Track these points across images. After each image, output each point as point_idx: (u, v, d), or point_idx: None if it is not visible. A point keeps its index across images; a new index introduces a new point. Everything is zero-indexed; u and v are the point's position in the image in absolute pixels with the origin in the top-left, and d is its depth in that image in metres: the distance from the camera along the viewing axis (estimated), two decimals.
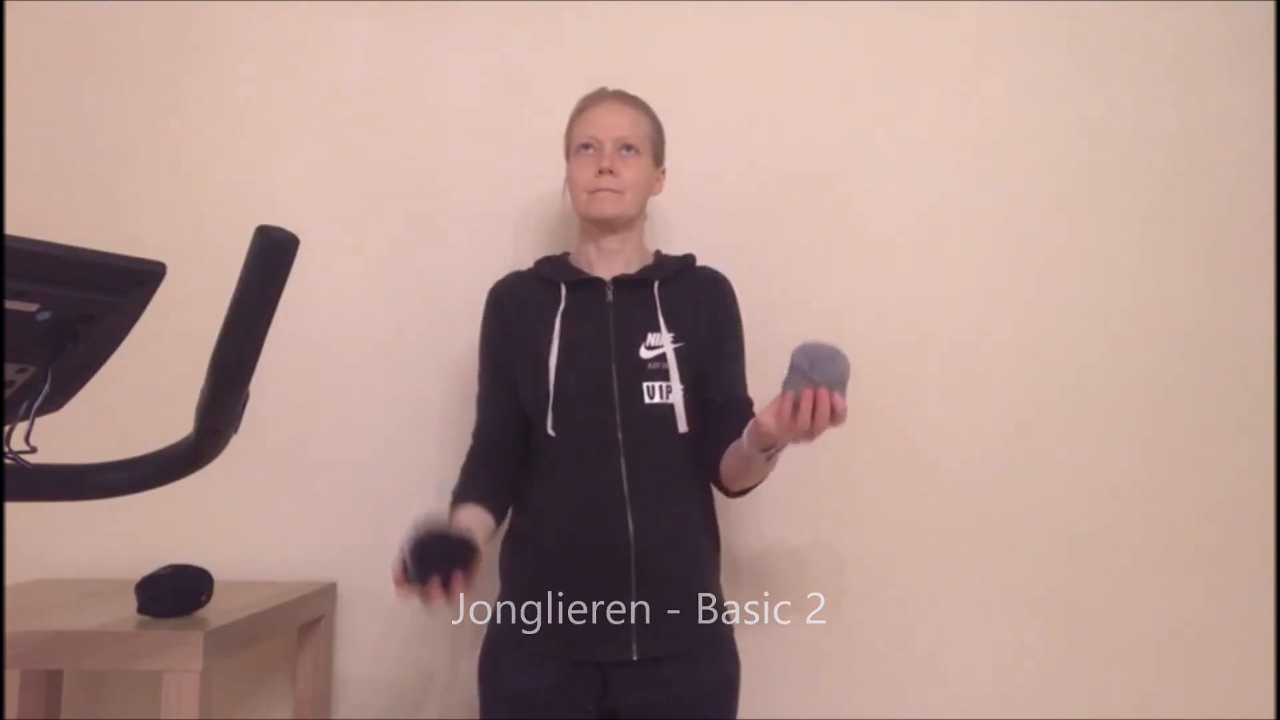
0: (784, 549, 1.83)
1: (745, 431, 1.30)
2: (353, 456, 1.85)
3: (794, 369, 1.18)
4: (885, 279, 1.88)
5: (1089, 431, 1.85)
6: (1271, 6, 1.92)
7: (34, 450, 0.88)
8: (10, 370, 0.84)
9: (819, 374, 1.16)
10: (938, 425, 1.85)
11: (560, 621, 1.39)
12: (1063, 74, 1.92)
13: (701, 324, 1.49)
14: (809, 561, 1.82)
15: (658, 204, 1.70)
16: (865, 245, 1.89)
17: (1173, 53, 1.92)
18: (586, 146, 1.49)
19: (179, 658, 1.31)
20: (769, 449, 1.29)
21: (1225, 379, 1.86)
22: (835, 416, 1.17)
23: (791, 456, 1.39)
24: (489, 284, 1.57)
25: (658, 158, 1.56)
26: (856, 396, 1.24)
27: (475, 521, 1.35)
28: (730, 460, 1.40)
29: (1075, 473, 1.84)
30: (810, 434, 1.18)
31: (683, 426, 1.43)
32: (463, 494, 1.42)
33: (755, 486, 1.46)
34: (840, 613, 1.81)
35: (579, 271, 1.52)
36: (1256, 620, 1.81)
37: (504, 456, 1.48)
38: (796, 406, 1.16)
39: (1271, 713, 1.79)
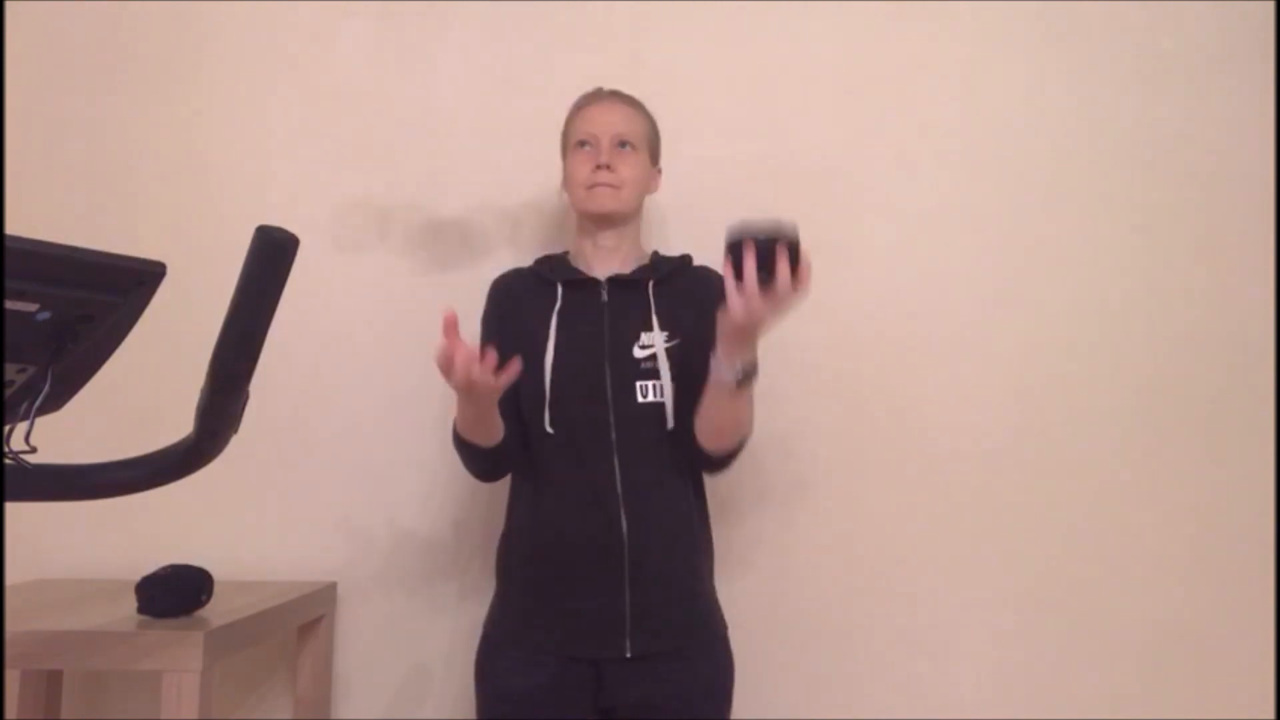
0: (782, 548, 1.83)
1: (711, 360, 1.30)
2: (352, 456, 1.85)
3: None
4: (884, 278, 1.88)
5: (1089, 430, 1.85)
6: (1271, 6, 1.93)
7: (34, 450, 0.88)
8: (10, 370, 0.84)
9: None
10: (937, 424, 1.85)
11: (555, 618, 1.40)
12: (1063, 74, 1.92)
13: (696, 321, 1.49)
14: (807, 561, 1.82)
15: (656, 203, 1.71)
16: (864, 245, 1.89)
17: (1173, 53, 1.92)
18: (583, 144, 1.50)
19: (179, 658, 1.31)
20: (741, 369, 1.28)
21: (1225, 379, 1.86)
22: (791, 276, 1.14)
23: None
24: (488, 284, 1.57)
25: (654, 156, 1.56)
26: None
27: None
28: (704, 413, 1.38)
29: (1075, 471, 1.84)
30: (774, 300, 1.16)
31: (670, 423, 1.43)
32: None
33: (738, 452, 1.43)
34: (838, 612, 1.81)
35: (576, 270, 1.52)
36: (1256, 620, 1.81)
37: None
38: (739, 277, 1.14)
39: (1271, 713, 1.79)
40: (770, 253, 1.15)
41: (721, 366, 1.29)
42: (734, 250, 1.16)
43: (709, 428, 1.40)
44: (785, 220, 1.16)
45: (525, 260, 1.61)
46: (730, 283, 1.17)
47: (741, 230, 1.16)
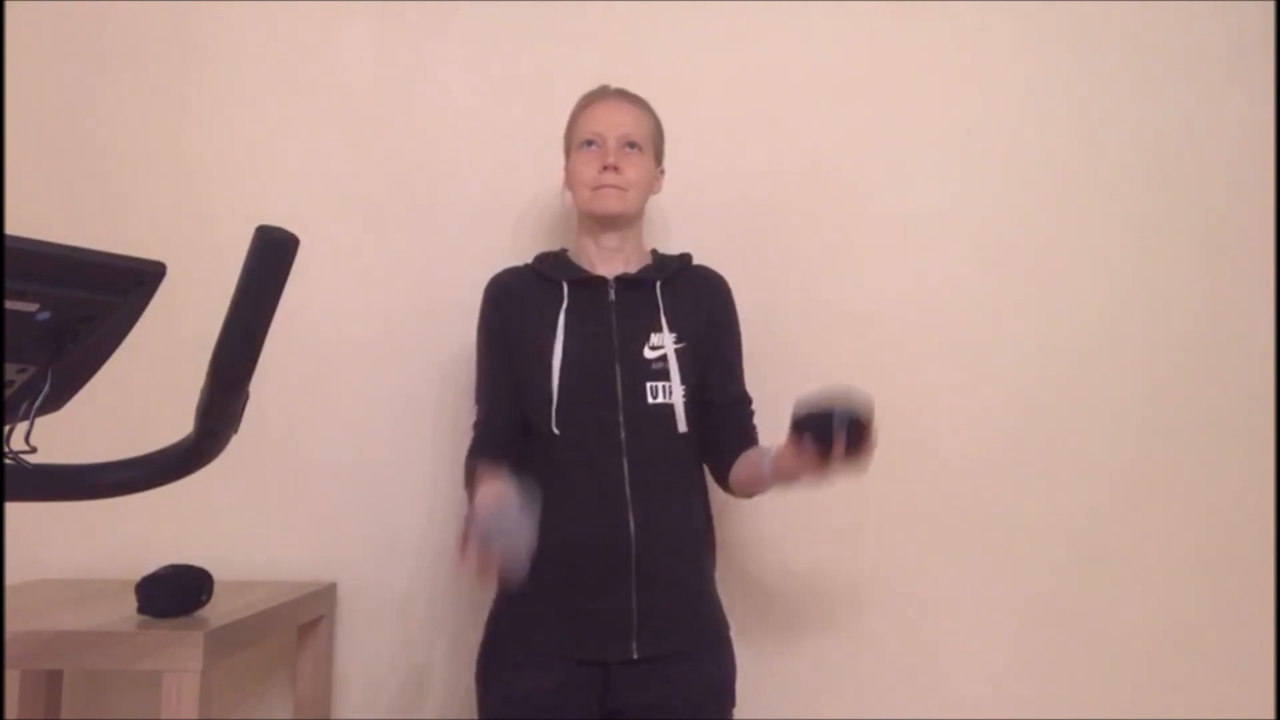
0: (783, 549, 1.83)
1: (768, 463, 1.33)
2: (352, 456, 1.85)
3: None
4: (884, 279, 1.88)
5: (1089, 432, 1.85)
6: (1271, 6, 1.93)
7: (34, 450, 0.88)
8: (10, 370, 0.84)
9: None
10: (937, 426, 1.85)
11: (562, 620, 1.39)
12: (1062, 74, 1.92)
13: (702, 324, 1.49)
14: (808, 562, 1.82)
15: (656, 203, 1.70)
16: (864, 245, 1.89)
17: (1173, 53, 1.92)
18: (590, 143, 1.48)
19: (179, 658, 1.31)
20: (789, 483, 1.33)
21: (1225, 379, 1.86)
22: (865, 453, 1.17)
23: None
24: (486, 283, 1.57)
25: (658, 156, 1.55)
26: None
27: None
28: (743, 475, 1.43)
29: (1075, 473, 1.84)
30: (846, 471, 1.18)
31: (682, 427, 1.43)
32: (478, 465, 1.40)
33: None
34: (839, 613, 1.81)
35: (580, 269, 1.51)
36: (1256, 620, 1.81)
37: (505, 453, 1.47)
38: (824, 455, 1.16)
39: (1271, 713, 1.79)
40: (855, 433, 1.15)
41: (771, 477, 1.34)
42: (813, 428, 1.16)
43: (744, 482, 1.45)
44: (854, 397, 1.16)
45: (525, 260, 1.60)
46: (808, 456, 1.18)
47: (820, 408, 1.16)
